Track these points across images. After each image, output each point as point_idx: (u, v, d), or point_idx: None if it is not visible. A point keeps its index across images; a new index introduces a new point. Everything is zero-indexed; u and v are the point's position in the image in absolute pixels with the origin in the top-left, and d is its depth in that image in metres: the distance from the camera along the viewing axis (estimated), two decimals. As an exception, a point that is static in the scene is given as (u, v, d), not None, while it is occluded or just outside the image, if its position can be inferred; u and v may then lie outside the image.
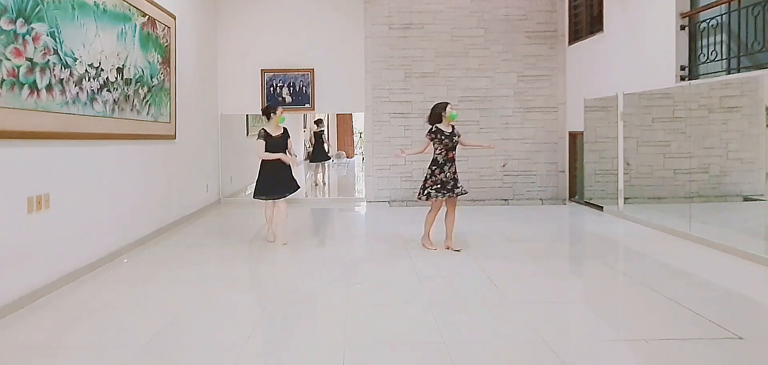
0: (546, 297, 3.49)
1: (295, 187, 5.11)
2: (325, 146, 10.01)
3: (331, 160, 10.22)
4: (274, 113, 5.01)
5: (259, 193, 5.04)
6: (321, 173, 10.11)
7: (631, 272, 4.21)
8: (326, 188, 10.18)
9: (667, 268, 4.23)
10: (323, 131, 10.01)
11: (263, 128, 4.95)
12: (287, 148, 5.04)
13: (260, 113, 8.09)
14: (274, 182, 4.96)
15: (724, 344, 2.69)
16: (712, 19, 4.99)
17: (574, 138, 7.71)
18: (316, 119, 10.10)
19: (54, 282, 3.65)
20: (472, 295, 3.60)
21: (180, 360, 2.60)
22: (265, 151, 4.90)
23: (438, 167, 4.65)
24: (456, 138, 4.68)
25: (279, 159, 4.93)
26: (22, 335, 2.92)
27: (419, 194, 4.79)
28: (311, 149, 10.01)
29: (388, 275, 4.09)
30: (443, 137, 4.62)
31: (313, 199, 8.78)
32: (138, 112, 5.01)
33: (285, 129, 5.09)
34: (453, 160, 4.67)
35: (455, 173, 4.68)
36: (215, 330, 3.00)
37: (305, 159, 10.66)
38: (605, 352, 2.64)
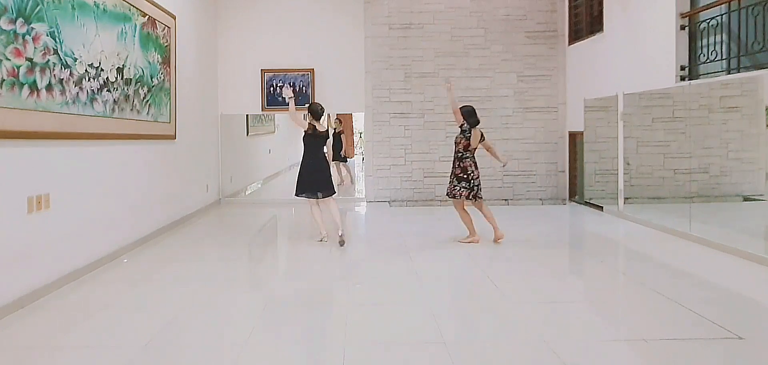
0: (546, 297, 3.49)
1: (330, 190, 5.10)
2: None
3: (346, 161, 10.35)
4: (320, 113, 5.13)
5: (299, 189, 5.11)
6: (345, 172, 10.15)
7: (631, 272, 4.21)
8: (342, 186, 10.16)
9: (667, 268, 4.23)
10: (343, 131, 9.96)
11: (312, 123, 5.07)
12: (325, 146, 5.20)
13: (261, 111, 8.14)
14: (310, 179, 5.03)
15: (724, 344, 2.69)
16: (712, 19, 4.99)
17: (574, 138, 7.71)
18: (336, 119, 9.91)
19: (54, 282, 3.65)
20: (472, 295, 3.60)
21: (180, 360, 2.60)
22: (303, 139, 5.08)
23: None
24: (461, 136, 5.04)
25: (314, 158, 5.06)
26: (22, 335, 2.92)
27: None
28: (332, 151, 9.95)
29: (388, 275, 4.09)
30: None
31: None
32: (138, 112, 5.01)
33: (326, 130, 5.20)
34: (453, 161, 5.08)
35: (452, 173, 5.06)
36: (215, 330, 3.00)
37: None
38: (605, 352, 2.64)
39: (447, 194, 5.11)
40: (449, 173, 5.16)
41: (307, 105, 5.29)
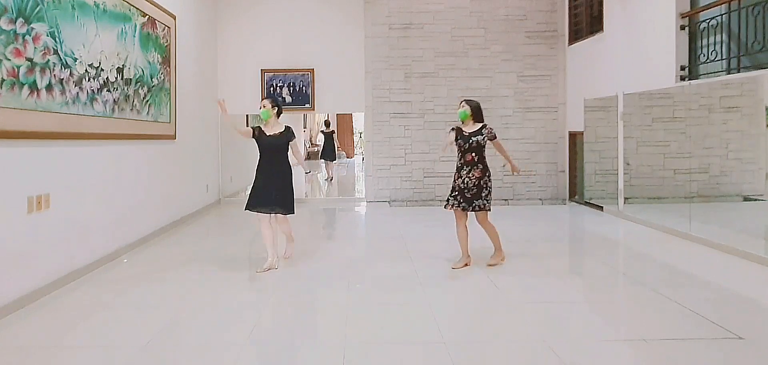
0: (546, 297, 3.49)
1: (286, 207, 4.22)
2: (335, 145, 11.15)
3: (336, 159, 11.49)
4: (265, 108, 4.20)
5: (250, 204, 4.19)
6: (331, 169, 11.27)
7: (631, 272, 4.21)
8: (330, 186, 11.02)
9: (667, 268, 4.23)
10: (334, 132, 11.01)
11: (259, 126, 4.23)
12: (287, 150, 4.26)
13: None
14: (265, 191, 4.11)
15: (724, 344, 2.69)
16: (712, 19, 4.99)
17: (574, 138, 7.71)
18: (325, 121, 11.29)
19: (54, 282, 3.65)
20: (472, 295, 3.60)
21: (180, 360, 2.60)
22: (259, 152, 4.22)
23: (456, 171, 4.20)
24: (475, 139, 4.07)
25: (273, 166, 4.18)
26: (22, 335, 2.92)
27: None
28: (321, 148, 11.33)
29: (388, 275, 4.09)
30: (458, 138, 4.13)
31: (312, 199, 8.78)
32: (138, 112, 5.01)
33: (287, 128, 4.24)
34: (473, 163, 4.07)
35: (479, 180, 4.07)
36: (215, 330, 3.00)
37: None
38: (605, 352, 2.64)
39: (486, 209, 4.13)
40: (478, 182, 4.09)
41: (271, 99, 4.27)
